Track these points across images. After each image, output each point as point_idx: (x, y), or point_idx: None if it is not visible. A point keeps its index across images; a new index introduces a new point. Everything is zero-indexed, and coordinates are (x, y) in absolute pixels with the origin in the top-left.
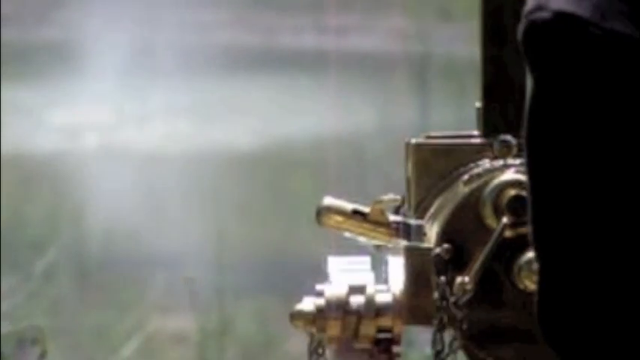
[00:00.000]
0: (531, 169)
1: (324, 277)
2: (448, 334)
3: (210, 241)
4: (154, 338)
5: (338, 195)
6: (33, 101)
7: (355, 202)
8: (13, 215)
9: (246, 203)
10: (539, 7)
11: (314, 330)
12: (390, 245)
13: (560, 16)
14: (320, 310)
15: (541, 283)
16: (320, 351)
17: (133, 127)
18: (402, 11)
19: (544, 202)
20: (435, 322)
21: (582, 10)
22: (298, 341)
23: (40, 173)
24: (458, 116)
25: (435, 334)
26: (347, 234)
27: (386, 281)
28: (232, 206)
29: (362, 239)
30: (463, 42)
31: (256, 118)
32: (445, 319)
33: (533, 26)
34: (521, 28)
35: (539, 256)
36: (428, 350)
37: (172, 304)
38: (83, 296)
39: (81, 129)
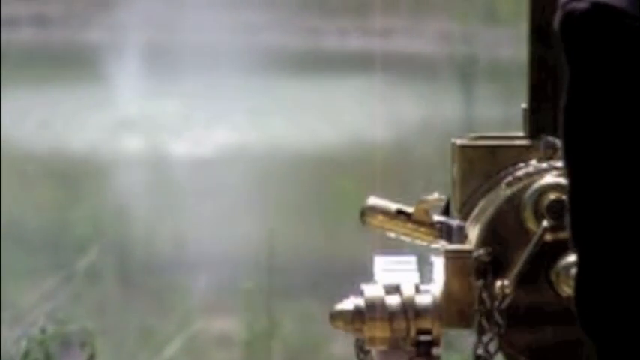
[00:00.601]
0: (568, 159)
1: (370, 277)
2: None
3: (258, 243)
4: (198, 339)
5: (383, 196)
6: (77, 102)
7: (400, 203)
8: (58, 216)
9: (295, 205)
10: None
11: (354, 330)
12: (435, 246)
13: (597, 7)
14: (359, 311)
15: (579, 272)
16: (364, 351)
17: (176, 129)
18: (447, 13)
19: (581, 192)
20: (475, 325)
21: (618, 2)
22: (344, 344)
23: (85, 174)
24: (503, 119)
25: (477, 338)
26: (391, 234)
27: (431, 281)
28: (280, 208)
29: (406, 239)
30: (508, 44)
31: (303, 120)
32: (485, 322)
33: (570, 16)
34: (557, 18)
35: (577, 246)
36: (468, 352)
37: (218, 305)
38: (127, 297)
39: (124, 130)
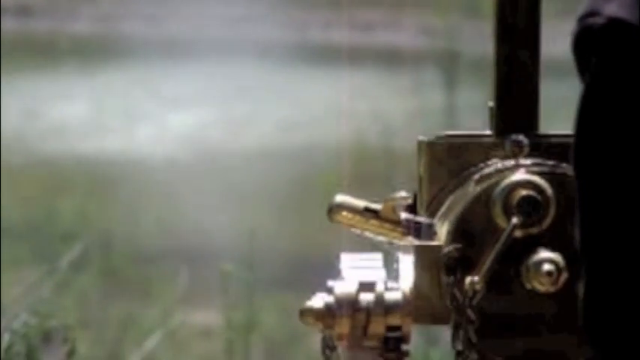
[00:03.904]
0: (580, 173)
1: (337, 273)
2: (462, 333)
3: (240, 237)
4: (179, 332)
5: (366, 192)
6: (63, 93)
7: (384, 197)
8: (44, 209)
9: (276, 198)
10: (593, 13)
11: (323, 327)
12: (402, 242)
13: (614, 23)
14: (329, 307)
15: (587, 288)
16: (331, 348)
17: (160, 119)
18: (430, 8)
19: (591, 205)
20: (450, 321)
21: (636, 18)
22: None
23: (72, 169)
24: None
25: (453, 334)
26: (358, 231)
27: (397, 279)
28: (262, 202)
29: (375, 236)
30: (491, 38)
31: (285, 113)
32: (458, 318)
33: (587, 31)
34: (574, 32)
35: (585, 260)
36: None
37: (199, 298)
38: (109, 289)
39: (104, 128)
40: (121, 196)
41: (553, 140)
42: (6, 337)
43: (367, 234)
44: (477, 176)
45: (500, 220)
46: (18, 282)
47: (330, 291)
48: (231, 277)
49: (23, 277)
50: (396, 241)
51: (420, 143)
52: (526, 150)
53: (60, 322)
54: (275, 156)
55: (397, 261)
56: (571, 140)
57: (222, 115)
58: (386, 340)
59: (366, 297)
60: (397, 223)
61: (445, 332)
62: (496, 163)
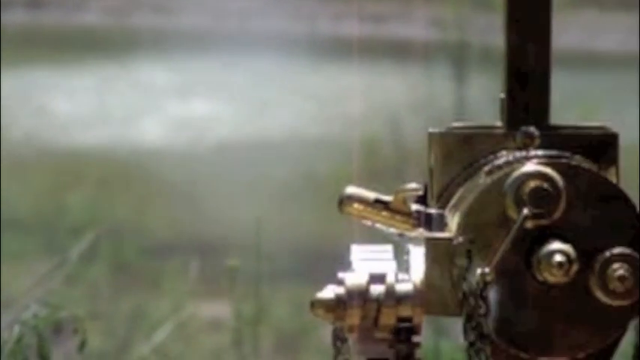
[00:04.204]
0: None
1: (348, 265)
2: (473, 324)
3: (250, 229)
4: (189, 324)
5: (375, 183)
6: (74, 86)
7: (393, 189)
8: (54, 202)
9: (286, 189)
10: None
11: (334, 318)
12: (412, 234)
13: None
14: (340, 299)
15: None
16: (342, 339)
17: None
18: (441, 0)
19: None
20: (463, 313)
21: None
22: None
23: (82, 162)
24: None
25: (464, 326)
26: (369, 223)
27: (407, 270)
28: (272, 192)
29: (386, 228)
30: (501, 30)
31: (295, 104)
32: (469, 309)
33: None
34: None
35: None
36: (461, 340)
37: (209, 290)
38: (119, 281)
39: (114, 120)
40: (131, 189)
41: (564, 132)
42: (16, 329)
43: (378, 226)
44: (487, 168)
45: (511, 212)
46: (28, 274)
47: (340, 282)
48: (239, 270)
49: (33, 269)
50: (406, 233)
51: (430, 135)
52: (537, 141)
53: (70, 314)
54: (285, 148)
55: (408, 252)
56: (582, 131)
57: (232, 108)
58: (397, 332)
59: (377, 288)
60: (408, 214)
61: (456, 324)
62: (507, 155)
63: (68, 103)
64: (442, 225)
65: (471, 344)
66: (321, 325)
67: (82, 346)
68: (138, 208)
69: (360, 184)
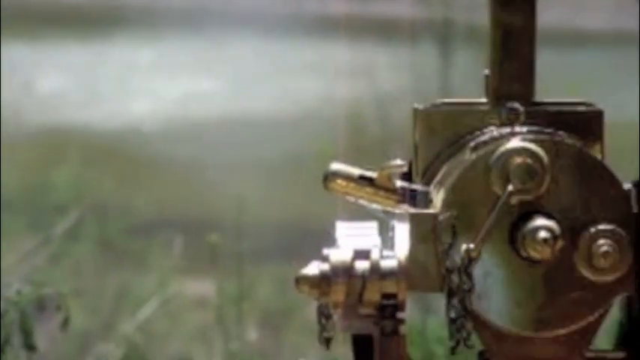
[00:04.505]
0: None
1: (333, 241)
2: (456, 300)
3: (232, 206)
4: (173, 302)
5: (361, 160)
6: (64, 64)
7: (378, 167)
8: (39, 179)
9: (269, 167)
10: None
11: (319, 295)
12: (397, 210)
13: None
14: (324, 275)
15: None
16: (327, 316)
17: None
18: None
19: None
20: (443, 289)
21: None
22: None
23: (67, 139)
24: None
25: (448, 302)
26: (353, 199)
27: (392, 247)
28: (255, 170)
29: (370, 205)
30: (486, 7)
31: (280, 82)
32: (453, 285)
33: None
34: None
35: None
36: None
37: (193, 268)
38: (104, 259)
39: (100, 98)
40: (115, 167)
41: (549, 108)
42: (0, 306)
43: (362, 202)
44: (472, 144)
45: (496, 188)
46: (13, 251)
47: (325, 259)
48: (221, 247)
49: (18, 246)
50: (391, 209)
51: (415, 111)
52: (522, 117)
53: (53, 291)
54: (270, 126)
55: (392, 229)
56: (567, 108)
57: (218, 86)
58: (382, 308)
59: (362, 265)
60: (392, 191)
61: (443, 301)
62: (492, 131)
63: (54, 81)
64: (427, 201)
65: (453, 320)
66: (305, 303)
67: (66, 323)
68: (122, 186)
69: (345, 161)
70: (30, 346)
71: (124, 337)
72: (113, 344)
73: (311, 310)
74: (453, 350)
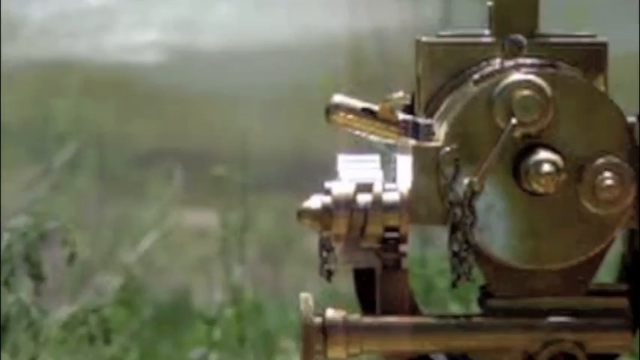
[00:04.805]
0: None
1: (335, 175)
2: (460, 234)
3: (235, 138)
4: (173, 233)
5: (363, 94)
6: None
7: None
8: (39, 110)
9: (273, 98)
10: None
11: (321, 228)
12: (399, 143)
13: None
14: (327, 208)
15: None
16: (328, 249)
17: (152, 25)
18: None
19: None
20: (447, 222)
21: None
22: (317, 239)
23: (67, 70)
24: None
25: (450, 235)
26: (356, 132)
27: (394, 180)
28: (259, 103)
29: (373, 137)
30: None
31: (283, 14)
32: (456, 219)
33: None
34: None
35: None
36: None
37: (194, 199)
38: (104, 190)
39: (99, 29)
40: (116, 98)
41: (553, 40)
42: (5, 237)
43: (364, 135)
44: (476, 76)
45: (499, 120)
46: (13, 182)
47: (327, 192)
48: (225, 179)
49: (18, 177)
50: (393, 142)
51: (418, 43)
52: (525, 50)
53: (58, 223)
54: (272, 57)
55: (394, 162)
56: (570, 40)
57: (220, 15)
58: (384, 241)
59: (364, 198)
60: (395, 124)
61: (442, 233)
62: (495, 64)
63: (53, 9)
64: (430, 134)
65: (455, 254)
66: (307, 234)
67: (72, 257)
68: (124, 118)
69: (347, 94)
70: (37, 276)
71: (124, 268)
72: (113, 275)
73: (312, 240)
74: (454, 283)
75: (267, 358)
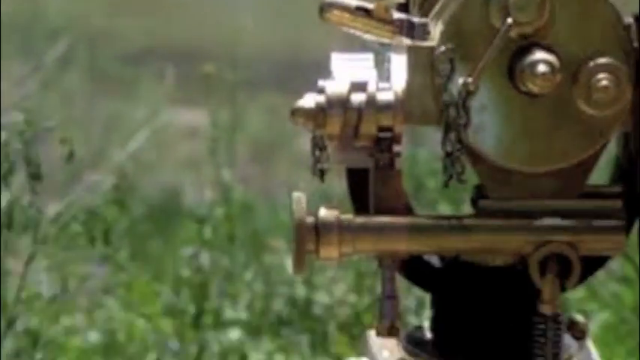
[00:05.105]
0: None
1: (328, 74)
2: (453, 134)
3: (226, 36)
4: (164, 131)
5: None
6: None
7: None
8: (30, 5)
9: None
10: None
11: (314, 126)
12: (394, 42)
13: None
14: (320, 107)
15: None
16: (321, 148)
17: None
18: None
19: None
20: (440, 122)
21: None
22: (308, 139)
23: None
24: None
25: (443, 135)
26: (351, 31)
27: (388, 79)
28: (248, 1)
29: (367, 36)
30: None
31: None
32: (450, 119)
33: None
34: None
35: None
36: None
37: (185, 98)
38: (95, 87)
39: None
40: None
41: None
42: (2, 134)
43: (358, 33)
44: None
45: (495, 20)
46: (4, 79)
47: (321, 91)
48: (215, 77)
49: (8, 73)
50: (387, 41)
51: None
52: None
53: (55, 122)
54: None
55: (389, 61)
56: None
57: None
58: (377, 141)
59: (358, 97)
60: (389, 22)
61: (433, 133)
62: None
63: None
64: (425, 33)
65: (448, 154)
66: (298, 133)
67: (71, 156)
68: (113, 14)
69: None
70: (35, 176)
71: (114, 166)
72: (104, 173)
73: (301, 140)
74: (445, 183)
75: (257, 256)
